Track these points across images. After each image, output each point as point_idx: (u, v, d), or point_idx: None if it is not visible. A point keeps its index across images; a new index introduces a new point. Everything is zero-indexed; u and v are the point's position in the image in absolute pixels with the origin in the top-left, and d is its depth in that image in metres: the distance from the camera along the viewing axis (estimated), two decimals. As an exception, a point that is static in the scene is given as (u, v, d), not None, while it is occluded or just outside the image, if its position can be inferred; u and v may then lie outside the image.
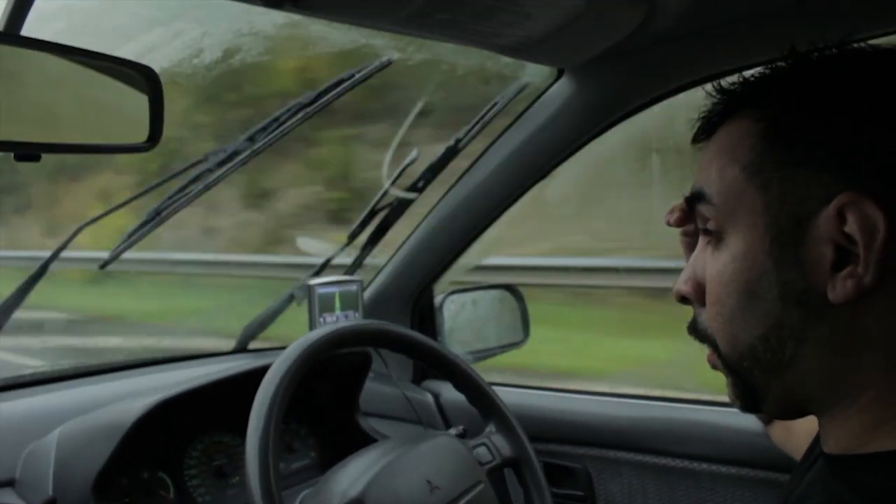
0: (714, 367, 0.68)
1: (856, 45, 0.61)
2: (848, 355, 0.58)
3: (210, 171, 1.43)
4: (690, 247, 0.71)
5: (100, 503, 1.09)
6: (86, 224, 1.42)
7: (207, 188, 1.43)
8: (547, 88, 1.41)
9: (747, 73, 0.65)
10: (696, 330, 0.68)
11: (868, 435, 0.58)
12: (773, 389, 0.63)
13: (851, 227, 0.54)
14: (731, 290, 0.62)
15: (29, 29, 0.76)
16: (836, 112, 0.57)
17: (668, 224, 0.72)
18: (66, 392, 1.39)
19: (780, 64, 0.63)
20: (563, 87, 1.39)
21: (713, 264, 0.64)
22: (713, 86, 0.66)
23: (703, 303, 0.66)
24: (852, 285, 0.55)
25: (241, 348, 1.79)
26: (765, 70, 0.63)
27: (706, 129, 0.66)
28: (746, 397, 0.65)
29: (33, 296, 1.37)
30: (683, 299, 0.69)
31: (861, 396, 0.58)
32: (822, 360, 0.59)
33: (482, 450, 1.17)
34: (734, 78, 0.65)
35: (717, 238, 0.63)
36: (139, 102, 0.84)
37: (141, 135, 0.83)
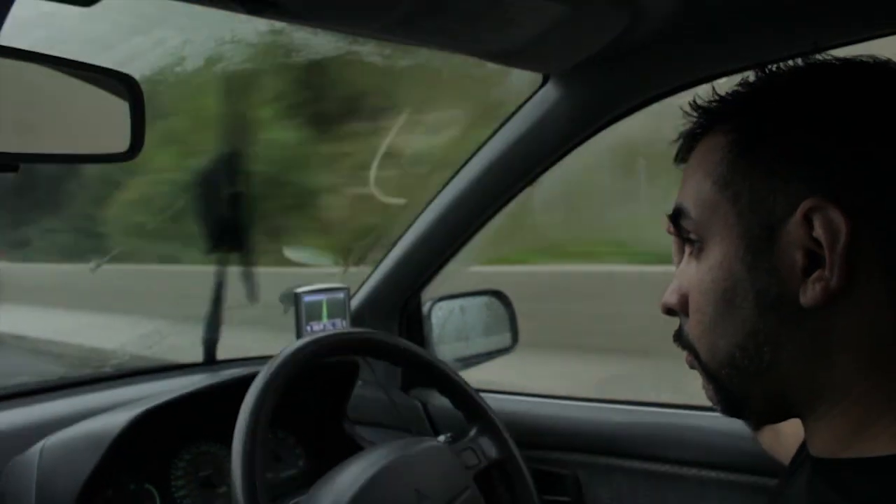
0: (692, 367, 0.70)
1: (820, 57, 0.63)
2: (825, 358, 0.59)
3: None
4: (682, 249, 0.73)
5: (84, 515, 1.08)
6: None
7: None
8: (532, 94, 1.40)
9: (721, 90, 0.67)
10: (680, 339, 0.70)
11: (852, 437, 0.59)
12: (754, 395, 0.65)
13: (818, 231, 0.56)
14: (710, 298, 0.64)
15: (8, 37, 0.75)
16: (799, 123, 0.60)
17: (669, 233, 0.74)
18: (49, 404, 1.37)
19: (749, 79, 0.65)
20: (548, 93, 1.38)
21: (695, 274, 0.66)
22: (689, 104, 0.68)
23: (687, 313, 0.68)
24: (821, 289, 0.57)
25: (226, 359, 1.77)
26: (737, 87, 0.66)
27: (685, 147, 0.69)
28: (728, 403, 0.67)
29: None
30: (669, 311, 0.71)
31: (842, 399, 0.60)
32: (800, 364, 0.60)
33: (468, 453, 1.16)
34: (710, 94, 0.68)
35: (698, 249, 0.66)
36: (121, 111, 0.83)
37: (122, 144, 0.82)
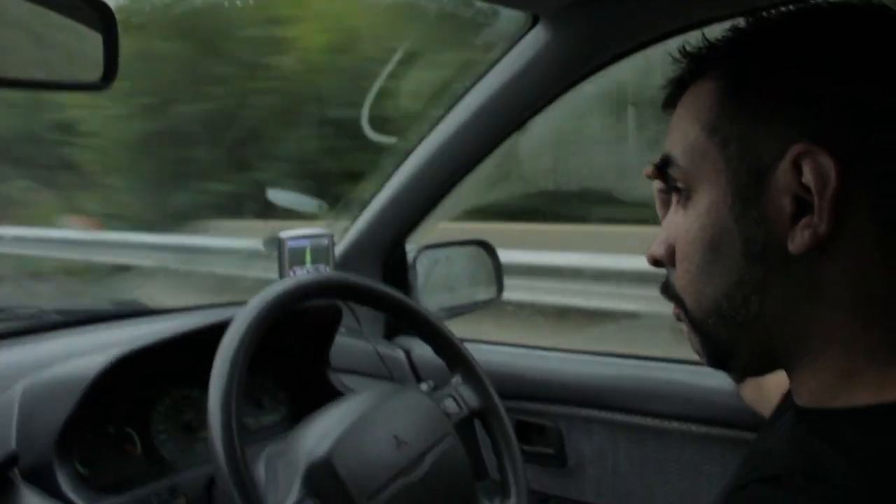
0: (679, 319, 0.70)
1: (813, 1, 0.62)
2: (812, 307, 0.59)
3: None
4: (666, 203, 0.72)
5: (63, 458, 1.07)
6: None
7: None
8: (521, 37, 1.37)
9: (711, 36, 0.65)
10: (667, 290, 0.70)
11: (838, 386, 0.59)
12: (741, 345, 0.64)
13: (807, 177, 0.56)
14: (697, 247, 0.63)
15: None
16: (788, 66, 0.59)
17: (648, 177, 0.73)
18: (28, 346, 1.36)
19: (740, 24, 0.64)
20: (537, 36, 1.35)
21: (682, 223, 0.65)
22: (679, 50, 0.67)
23: (674, 264, 0.67)
24: (809, 235, 0.56)
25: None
26: (727, 32, 0.64)
27: (673, 94, 0.68)
28: (714, 355, 0.67)
29: None
30: (656, 262, 0.70)
31: (829, 348, 0.59)
32: (787, 313, 0.60)
33: (449, 402, 1.15)
34: (699, 41, 0.66)
35: (685, 197, 0.65)
36: (95, 39, 0.80)
37: (96, 73, 0.79)
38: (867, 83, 0.56)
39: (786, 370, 0.65)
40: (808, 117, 0.57)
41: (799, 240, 0.57)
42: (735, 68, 0.62)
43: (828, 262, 0.57)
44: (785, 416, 0.68)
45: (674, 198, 0.68)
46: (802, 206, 0.57)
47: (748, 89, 0.60)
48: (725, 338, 0.65)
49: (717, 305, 0.63)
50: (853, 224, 0.56)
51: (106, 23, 0.79)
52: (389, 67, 1.61)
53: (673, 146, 0.66)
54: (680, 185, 0.65)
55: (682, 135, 0.65)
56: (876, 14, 0.60)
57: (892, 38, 0.58)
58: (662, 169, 0.67)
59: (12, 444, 1.08)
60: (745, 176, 0.60)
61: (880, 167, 0.56)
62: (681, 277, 0.66)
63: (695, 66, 0.66)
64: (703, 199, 0.63)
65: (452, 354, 1.21)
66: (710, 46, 0.65)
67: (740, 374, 0.70)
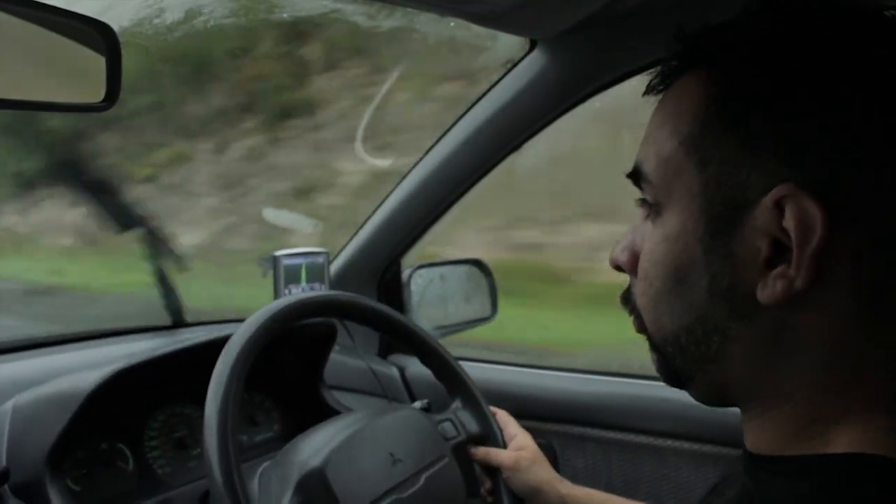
0: (639, 332, 0.64)
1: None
2: (774, 359, 0.53)
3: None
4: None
5: (55, 474, 1.07)
6: None
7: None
8: (519, 60, 1.39)
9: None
10: (627, 300, 0.65)
11: (784, 441, 0.54)
12: (696, 378, 0.60)
13: (789, 222, 0.49)
14: (660, 271, 0.58)
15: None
16: (796, 86, 0.50)
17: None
18: (21, 363, 1.35)
19: (745, 16, 0.54)
20: (535, 60, 1.37)
21: (649, 239, 0.59)
22: (674, 34, 0.57)
23: (636, 274, 0.62)
24: (782, 287, 0.50)
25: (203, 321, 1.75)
26: (728, 22, 0.55)
27: (660, 81, 0.60)
28: (671, 378, 0.63)
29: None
30: (619, 267, 0.65)
31: (783, 404, 0.54)
32: (747, 360, 0.55)
33: (447, 425, 1.16)
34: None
35: (655, 212, 0.59)
36: (97, 60, 0.81)
37: (98, 94, 0.80)
38: (866, 107, 0.49)
39: (739, 408, 0.60)
40: (805, 156, 0.50)
41: (770, 289, 0.51)
42: (731, 77, 0.53)
43: (799, 314, 0.51)
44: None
45: (643, 209, 0.62)
46: (778, 251, 0.51)
47: (742, 108, 0.52)
48: (682, 367, 0.60)
49: (676, 337, 0.58)
50: (832, 275, 0.50)
51: (109, 44, 0.80)
52: (384, 89, 1.62)
53: (646, 157, 0.59)
54: (649, 199, 0.59)
55: (657, 146, 0.58)
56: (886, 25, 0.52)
57: None
58: (635, 180, 0.61)
59: (3, 460, 1.08)
60: (720, 206, 0.53)
61: (867, 209, 0.49)
62: (641, 295, 0.61)
63: (685, 56, 0.57)
64: (673, 221, 0.56)
65: (453, 379, 1.21)
66: (705, 34, 0.56)
67: (697, 399, 0.63)
